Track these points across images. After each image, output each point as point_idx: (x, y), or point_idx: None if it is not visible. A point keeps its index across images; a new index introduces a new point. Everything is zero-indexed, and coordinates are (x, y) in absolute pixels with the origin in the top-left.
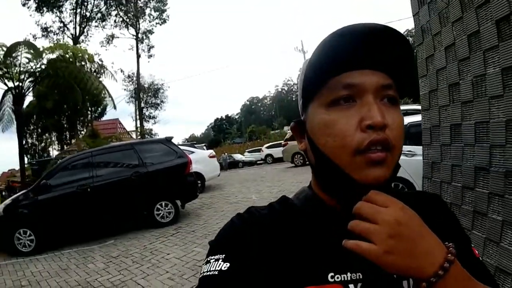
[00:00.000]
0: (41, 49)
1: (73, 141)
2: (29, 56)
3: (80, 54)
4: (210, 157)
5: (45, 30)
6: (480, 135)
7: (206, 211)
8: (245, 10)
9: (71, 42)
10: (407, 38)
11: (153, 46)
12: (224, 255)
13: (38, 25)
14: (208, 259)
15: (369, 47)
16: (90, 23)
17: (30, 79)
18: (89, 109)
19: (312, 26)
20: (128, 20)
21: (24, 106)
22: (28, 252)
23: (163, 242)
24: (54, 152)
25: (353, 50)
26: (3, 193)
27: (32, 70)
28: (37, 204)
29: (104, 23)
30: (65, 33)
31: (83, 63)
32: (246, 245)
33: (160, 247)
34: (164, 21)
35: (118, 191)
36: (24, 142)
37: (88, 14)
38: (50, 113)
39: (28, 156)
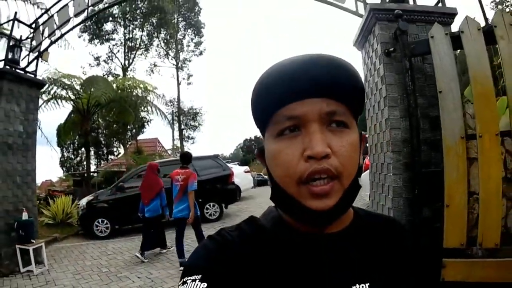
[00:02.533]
0: (111, 81)
1: (110, 157)
2: (100, 87)
3: (140, 85)
4: (245, 172)
5: (97, 59)
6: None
7: (243, 213)
8: (279, 32)
9: (120, 71)
10: (343, 62)
11: (192, 75)
12: (200, 276)
13: (91, 55)
14: (185, 279)
15: (310, 76)
16: (135, 53)
17: (97, 105)
18: (133, 128)
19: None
20: (168, 50)
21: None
22: (104, 237)
23: (210, 232)
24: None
25: (290, 82)
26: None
27: (101, 99)
28: (113, 200)
29: (146, 52)
30: (113, 61)
31: (137, 90)
32: (221, 267)
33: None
34: (201, 53)
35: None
36: (61, 155)
37: (133, 45)
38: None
39: (64, 168)
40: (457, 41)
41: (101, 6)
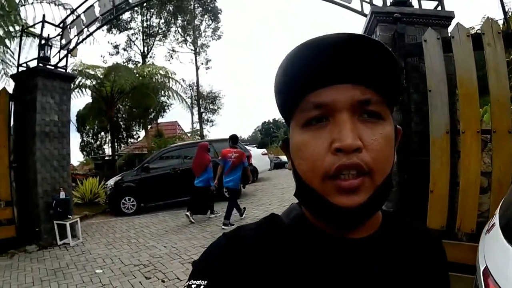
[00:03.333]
0: (133, 69)
1: (129, 140)
2: (123, 75)
3: (160, 71)
4: (263, 154)
5: (116, 48)
6: None
7: (259, 192)
8: (297, 14)
9: (140, 58)
10: (382, 45)
11: (210, 60)
12: (206, 282)
13: (110, 43)
14: (190, 283)
15: (339, 59)
16: (153, 40)
17: (120, 92)
18: (153, 112)
19: None
20: (186, 36)
21: (81, 108)
22: (130, 213)
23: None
24: (108, 150)
25: (321, 65)
26: None
27: (125, 85)
28: (139, 180)
29: (164, 39)
30: (132, 49)
31: (157, 76)
32: (231, 272)
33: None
34: (219, 37)
35: None
36: (80, 140)
37: (151, 32)
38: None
39: (84, 153)
40: (449, 45)
41: (126, 6)
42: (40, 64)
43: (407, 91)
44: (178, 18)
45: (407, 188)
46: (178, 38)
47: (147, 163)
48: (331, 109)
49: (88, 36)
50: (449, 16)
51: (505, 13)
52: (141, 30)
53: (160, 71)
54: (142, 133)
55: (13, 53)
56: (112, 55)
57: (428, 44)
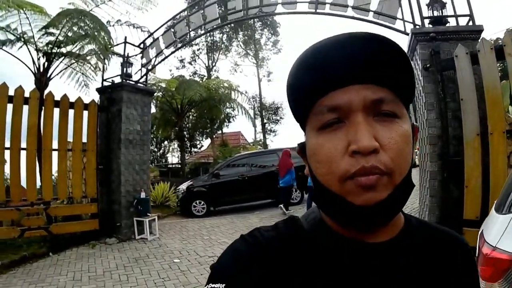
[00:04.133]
0: (201, 83)
1: (193, 149)
2: (193, 88)
3: (225, 84)
4: None
5: (181, 61)
6: None
7: None
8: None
9: (205, 71)
10: (388, 40)
11: (271, 72)
12: (224, 285)
13: (175, 57)
14: (208, 287)
15: (348, 59)
16: (218, 54)
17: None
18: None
19: None
20: (248, 49)
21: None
22: (200, 216)
23: (294, 213)
24: (171, 158)
25: (331, 67)
26: None
27: (195, 97)
28: (209, 185)
29: (227, 52)
30: (197, 62)
31: (222, 89)
32: (249, 275)
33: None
34: (279, 51)
35: (265, 179)
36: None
37: (214, 47)
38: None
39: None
40: (476, 58)
41: (201, 31)
42: (124, 80)
43: (443, 100)
44: (239, 33)
45: (448, 184)
46: (240, 52)
47: (218, 170)
48: (345, 111)
49: (166, 57)
50: (479, 30)
51: None
52: (205, 45)
53: (225, 84)
54: (205, 143)
55: (94, 68)
56: (178, 68)
57: (459, 58)
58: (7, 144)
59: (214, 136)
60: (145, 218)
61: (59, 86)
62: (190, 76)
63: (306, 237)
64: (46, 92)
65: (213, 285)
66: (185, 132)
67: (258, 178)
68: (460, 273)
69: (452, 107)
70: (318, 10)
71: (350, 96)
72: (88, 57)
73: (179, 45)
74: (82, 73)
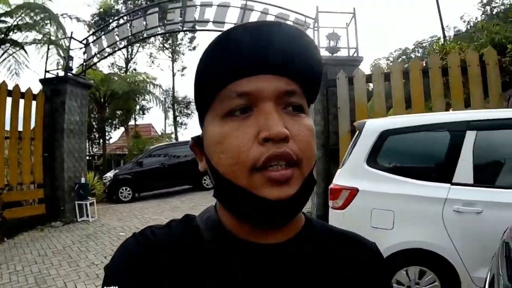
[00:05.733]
0: (124, 76)
1: (100, 141)
2: (116, 81)
3: (143, 76)
4: None
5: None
6: None
7: None
8: None
9: (123, 63)
10: (307, 36)
11: (186, 67)
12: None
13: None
14: None
15: (266, 48)
16: (138, 46)
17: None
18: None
19: None
20: (165, 43)
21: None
22: (127, 201)
23: (208, 196)
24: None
25: (247, 53)
26: None
27: (119, 90)
28: (134, 173)
29: (144, 44)
30: (116, 53)
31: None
32: (141, 276)
33: (207, 199)
34: (194, 48)
35: (182, 168)
36: None
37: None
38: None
39: None
40: (352, 80)
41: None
42: (68, 73)
43: (327, 107)
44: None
45: (329, 166)
46: (157, 45)
47: (141, 159)
48: (255, 98)
49: (108, 55)
50: (359, 60)
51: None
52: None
53: (143, 76)
54: (113, 134)
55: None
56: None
57: (340, 80)
58: None
59: (128, 128)
60: (86, 201)
61: None
62: (108, 66)
63: (199, 237)
64: None
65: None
66: (94, 123)
67: (177, 166)
68: (368, 279)
69: (333, 112)
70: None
71: (262, 85)
72: (26, 46)
73: (121, 45)
74: (16, 61)
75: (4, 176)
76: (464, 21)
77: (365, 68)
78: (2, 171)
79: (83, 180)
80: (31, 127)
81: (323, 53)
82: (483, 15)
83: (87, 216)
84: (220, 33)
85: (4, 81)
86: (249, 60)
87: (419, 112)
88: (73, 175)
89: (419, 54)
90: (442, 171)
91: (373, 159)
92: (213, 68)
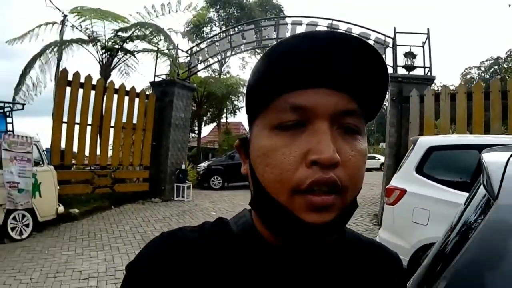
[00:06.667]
0: (221, 79)
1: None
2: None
3: (237, 80)
4: None
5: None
6: None
7: None
8: None
9: (217, 65)
10: (378, 52)
11: None
12: None
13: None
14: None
15: (329, 60)
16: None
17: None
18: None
19: None
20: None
21: None
22: (217, 189)
23: None
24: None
25: (308, 63)
26: None
27: (217, 92)
28: (225, 165)
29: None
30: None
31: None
32: (167, 279)
33: None
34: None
35: None
36: None
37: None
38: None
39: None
40: (423, 98)
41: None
42: (176, 78)
43: (400, 121)
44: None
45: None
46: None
47: (233, 154)
48: (310, 115)
49: (210, 65)
50: (432, 79)
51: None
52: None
53: (236, 78)
54: (204, 129)
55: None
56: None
57: (412, 97)
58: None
59: (221, 125)
60: (184, 184)
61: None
62: (203, 69)
63: (234, 242)
64: (108, 81)
65: (128, 286)
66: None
67: None
68: (389, 284)
69: (406, 126)
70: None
71: (320, 100)
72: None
73: (219, 57)
74: (127, 65)
75: (119, 158)
76: None
77: (455, 78)
78: (117, 154)
79: (183, 166)
80: (144, 121)
81: (400, 70)
82: None
83: (183, 197)
84: (285, 38)
85: (122, 83)
86: (310, 70)
87: (479, 132)
88: (174, 161)
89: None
90: (471, 184)
91: (420, 168)
92: (270, 74)
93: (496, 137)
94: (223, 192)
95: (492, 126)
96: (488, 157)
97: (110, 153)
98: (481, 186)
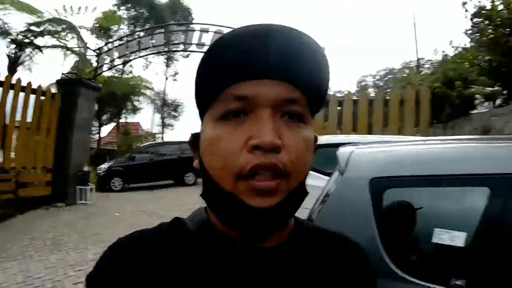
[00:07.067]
0: (123, 79)
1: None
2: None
3: (140, 81)
4: None
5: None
6: None
7: None
8: None
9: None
10: (316, 43)
11: (178, 73)
12: None
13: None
14: None
15: (271, 52)
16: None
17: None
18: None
19: None
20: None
21: None
22: (117, 190)
23: (189, 191)
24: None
25: (250, 56)
26: None
27: (119, 92)
28: (126, 166)
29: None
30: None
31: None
32: (128, 281)
33: (187, 193)
34: (188, 56)
35: (169, 165)
36: None
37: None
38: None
39: None
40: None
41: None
42: (82, 77)
43: None
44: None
45: None
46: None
47: (133, 155)
48: (252, 104)
49: (116, 65)
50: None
51: None
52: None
53: (139, 79)
54: (102, 130)
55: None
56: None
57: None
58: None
59: (120, 125)
60: (87, 187)
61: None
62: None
63: (191, 239)
64: (15, 77)
65: None
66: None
67: (163, 163)
68: (356, 277)
69: None
70: None
71: (261, 90)
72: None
73: (131, 57)
74: (34, 62)
75: (23, 160)
76: (453, 47)
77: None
78: (23, 155)
79: (86, 168)
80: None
81: None
82: (471, 42)
83: (85, 200)
84: (224, 33)
85: (29, 81)
86: (250, 62)
87: (363, 133)
88: (77, 163)
89: (405, 74)
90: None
91: None
92: (213, 68)
93: (361, 136)
94: (124, 193)
95: (375, 128)
96: (341, 150)
97: (12, 155)
98: (336, 170)
